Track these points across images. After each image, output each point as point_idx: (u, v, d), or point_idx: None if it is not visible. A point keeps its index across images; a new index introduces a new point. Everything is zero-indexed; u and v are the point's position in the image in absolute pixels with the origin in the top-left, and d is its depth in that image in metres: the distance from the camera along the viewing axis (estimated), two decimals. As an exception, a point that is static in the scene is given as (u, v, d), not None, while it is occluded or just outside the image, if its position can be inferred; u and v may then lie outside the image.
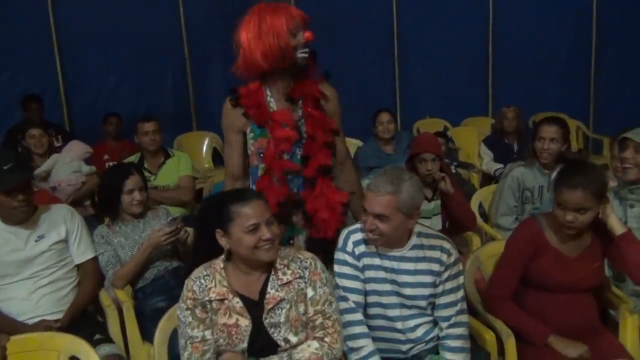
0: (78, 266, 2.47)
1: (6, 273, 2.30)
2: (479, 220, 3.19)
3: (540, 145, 2.96)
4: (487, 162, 4.43)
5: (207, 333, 1.75)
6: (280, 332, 1.76)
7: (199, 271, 1.81)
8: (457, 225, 3.01)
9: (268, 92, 2.15)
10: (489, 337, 2.10)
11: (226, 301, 1.75)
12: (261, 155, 2.14)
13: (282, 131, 2.10)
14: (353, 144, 4.56)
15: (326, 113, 2.19)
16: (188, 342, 1.76)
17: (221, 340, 1.75)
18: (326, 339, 1.77)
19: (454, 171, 4.50)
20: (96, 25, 5.00)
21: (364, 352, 1.89)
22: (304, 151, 2.15)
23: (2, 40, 4.83)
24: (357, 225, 2.03)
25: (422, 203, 1.97)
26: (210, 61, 5.32)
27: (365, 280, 1.96)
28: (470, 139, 5.35)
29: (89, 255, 2.47)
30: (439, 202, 2.97)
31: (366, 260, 1.97)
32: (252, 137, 2.16)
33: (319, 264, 1.85)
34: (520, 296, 2.17)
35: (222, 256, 1.82)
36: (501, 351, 2.11)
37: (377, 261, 1.96)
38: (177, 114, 5.48)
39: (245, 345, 1.75)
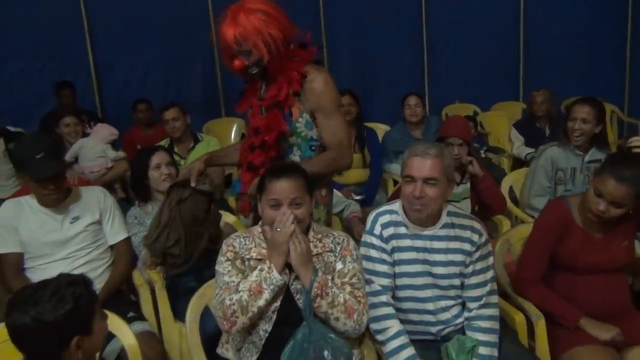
0: (111, 247, 2.52)
1: (44, 253, 2.36)
2: (509, 203, 3.15)
3: (572, 126, 2.92)
4: (518, 146, 4.37)
5: (243, 280, 1.78)
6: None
7: (239, 232, 1.89)
8: (486, 209, 2.98)
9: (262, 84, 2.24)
10: (519, 318, 2.09)
11: (265, 260, 1.78)
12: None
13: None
14: (381, 129, 4.55)
15: (303, 96, 2.14)
16: (223, 286, 1.78)
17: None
18: (360, 305, 1.79)
19: (483, 156, 4.46)
20: (126, 12, 5.06)
21: (390, 333, 1.90)
22: (251, 141, 2.22)
23: (35, 28, 4.91)
24: (385, 207, 2.03)
25: None
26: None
27: (395, 263, 1.96)
28: (500, 123, 5.27)
29: (122, 235, 2.52)
30: (467, 185, 2.94)
31: (395, 242, 1.96)
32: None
33: (352, 242, 1.88)
34: (550, 279, 2.15)
35: (259, 223, 1.88)
36: (531, 334, 2.09)
37: (407, 242, 1.96)
38: (206, 100, 5.54)
39: (277, 304, 1.78)
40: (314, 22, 5.74)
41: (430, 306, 1.97)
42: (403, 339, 1.88)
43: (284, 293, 1.78)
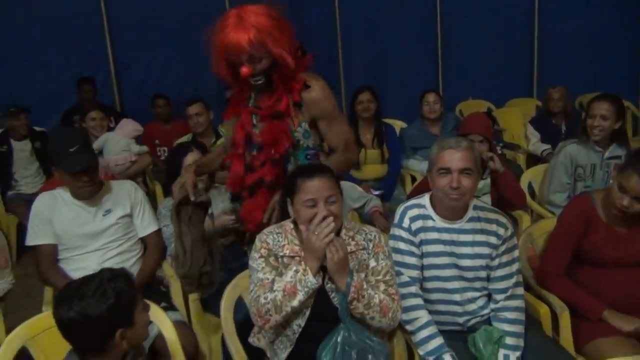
0: (141, 239, 2.58)
1: (77, 245, 2.42)
2: (529, 199, 3.19)
3: (591, 123, 2.94)
4: (534, 143, 4.39)
5: (278, 279, 1.81)
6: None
7: (271, 229, 1.91)
8: (506, 204, 3.01)
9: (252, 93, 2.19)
10: (544, 310, 2.14)
11: (297, 258, 1.83)
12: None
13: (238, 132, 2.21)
14: (397, 125, 4.59)
15: (304, 106, 2.14)
16: (257, 283, 1.82)
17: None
18: (394, 303, 1.84)
19: (499, 152, 4.49)
20: (145, 9, 5.12)
21: (419, 323, 1.95)
22: (249, 160, 2.20)
23: (55, 24, 4.98)
24: (413, 201, 2.09)
25: None
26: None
27: (423, 255, 2.01)
28: (515, 120, 5.29)
29: (153, 228, 2.57)
30: (488, 181, 2.98)
31: (423, 235, 2.02)
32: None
33: (383, 237, 1.92)
34: (574, 272, 2.19)
35: (291, 219, 1.91)
36: (555, 326, 2.14)
37: (434, 235, 2.01)
38: (222, 97, 5.59)
39: (311, 301, 1.80)
40: (330, 21, 5.79)
41: (457, 297, 2.02)
42: (432, 329, 1.93)
43: (318, 293, 1.81)
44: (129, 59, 5.31)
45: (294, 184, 1.82)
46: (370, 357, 1.74)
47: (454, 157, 1.94)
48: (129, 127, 4.02)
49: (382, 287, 1.85)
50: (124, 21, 5.19)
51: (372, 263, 1.87)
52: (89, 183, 2.38)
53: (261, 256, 1.85)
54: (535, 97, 6.06)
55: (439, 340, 1.91)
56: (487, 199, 2.97)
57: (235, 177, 2.26)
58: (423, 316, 1.96)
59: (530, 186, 3.39)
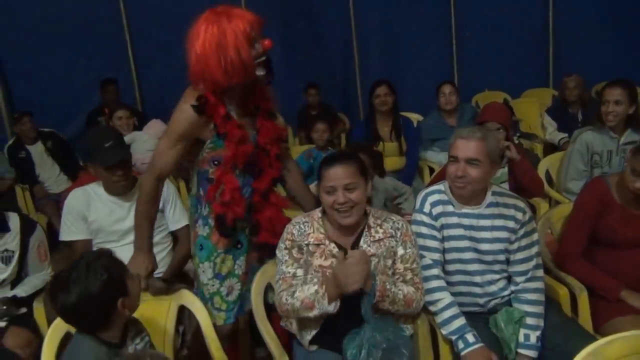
0: (172, 232, 2.65)
1: (111, 239, 2.50)
2: (546, 186, 3.24)
3: (605, 109, 2.98)
4: (551, 132, 4.42)
5: (299, 271, 1.93)
6: None
7: (299, 218, 2.00)
8: (523, 192, 3.06)
9: (228, 105, 2.00)
10: (563, 292, 2.20)
11: (322, 246, 1.92)
12: (216, 162, 2.04)
13: (240, 148, 2.02)
14: (414, 118, 4.62)
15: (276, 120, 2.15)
16: (280, 277, 1.94)
17: (315, 280, 1.90)
18: (418, 292, 1.94)
19: (516, 142, 4.53)
20: (164, 7, 5.19)
21: (442, 304, 2.02)
22: (259, 166, 2.11)
23: (77, 26, 5.12)
24: (434, 187, 2.16)
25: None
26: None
27: (444, 239, 2.09)
28: (532, 110, 5.31)
29: (183, 222, 2.62)
30: (505, 169, 3.05)
31: (444, 220, 2.09)
32: (212, 147, 2.03)
33: (410, 226, 2.01)
34: (592, 254, 2.25)
35: (320, 208, 2.01)
36: (574, 307, 2.20)
37: (455, 219, 2.08)
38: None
39: None
40: (344, 14, 5.85)
41: (477, 279, 2.09)
42: (454, 310, 2.01)
43: None
44: (149, 60, 5.44)
45: (320, 172, 1.93)
46: (396, 358, 1.83)
47: (463, 147, 2.02)
48: (157, 127, 4.13)
49: (409, 275, 1.94)
50: (144, 23, 5.31)
51: (401, 251, 1.95)
52: (123, 177, 2.45)
53: (285, 247, 1.95)
54: (551, 87, 6.06)
55: (461, 321, 1.99)
56: (505, 187, 3.03)
57: (235, 197, 2.06)
58: (445, 297, 2.03)
59: (547, 174, 3.44)
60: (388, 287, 1.85)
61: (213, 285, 2.12)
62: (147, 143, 4.04)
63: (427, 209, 2.11)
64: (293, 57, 5.39)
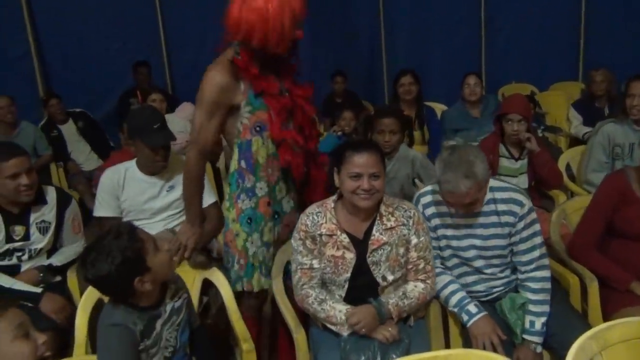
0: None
1: (141, 217, 2.60)
2: (565, 178, 3.26)
3: (630, 102, 2.99)
4: (576, 125, 4.41)
5: (315, 262, 2.01)
6: (380, 269, 1.99)
7: (313, 208, 2.06)
8: (543, 184, 3.10)
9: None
10: (574, 281, 2.25)
11: (334, 236, 1.99)
12: (258, 128, 2.10)
13: (280, 100, 2.09)
14: (439, 108, 4.64)
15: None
16: (298, 268, 2.04)
17: (327, 269, 2.00)
18: (428, 281, 2.03)
19: (540, 135, 4.52)
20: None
21: (442, 283, 2.11)
22: (298, 122, 2.17)
23: (112, 11, 5.29)
24: (428, 188, 2.19)
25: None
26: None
27: (439, 238, 2.14)
28: (559, 103, 5.28)
29: (211, 200, 2.69)
30: (525, 161, 3.07)
31: (437, 221, 2.13)
32: (249, 110, 2.08)
33: (421, 214, 2.07)
34: (607, 244, 2.28)
35: (334, 196, 2.07)
36: (585, 297, 2.25)
37: (448, 220, 2.11)
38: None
39: (348, 275, 1.99)
40: (373, 4, 5.88)
41: (479, 272, 2.13)
42: (454, 286, 2.09)
43: (358, 267, 1.98)
44: (180, 44, 5.56)
45: (343, 156, 1.96)
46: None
47: (461, 196, 1.97)
48: (188, 110, 4.26)
49: (422, 264, 2.02)
50: (176, 7, 5.46)
51: (414, 239, 2.01)
52: (165, 158, 2.55)
53: (300, 238, 2.03)
54: (580, 81, 6.00)
55: (461, 294, 2.07)
56: (524, 178, 3.06)
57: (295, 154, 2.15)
58: (445, 278, 2.12)
59: (568, 167, 3.45)
60: (401, 304, 1.96)
61: (262, 253, 2.20)
62: (178, 125, 4.17)
63: (419, 209, 2.13)
64: (320, 46, 5.46)
